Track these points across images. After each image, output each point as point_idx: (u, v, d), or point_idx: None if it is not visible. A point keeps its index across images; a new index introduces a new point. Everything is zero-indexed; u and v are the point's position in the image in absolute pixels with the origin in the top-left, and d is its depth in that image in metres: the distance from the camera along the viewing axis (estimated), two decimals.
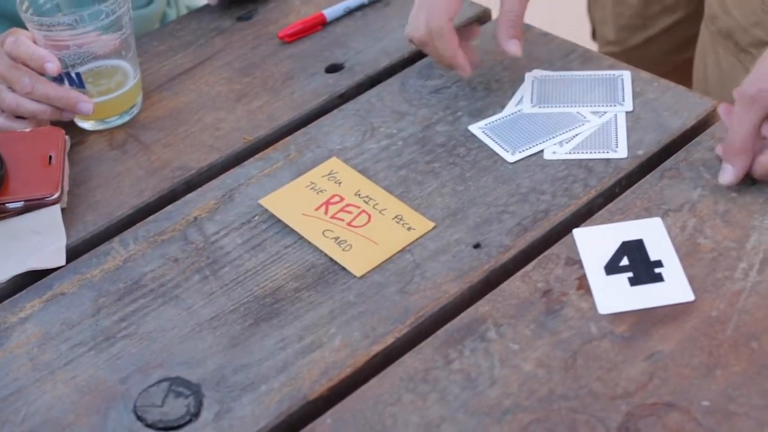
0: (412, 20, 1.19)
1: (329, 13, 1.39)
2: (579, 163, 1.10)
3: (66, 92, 1.21)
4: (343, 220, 1.07)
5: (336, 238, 1.05)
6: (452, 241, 1.03)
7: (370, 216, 1.07)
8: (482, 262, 1.01)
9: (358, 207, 1.08)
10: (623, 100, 1.16)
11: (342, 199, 1.10)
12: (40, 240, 1.10)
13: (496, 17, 1.20)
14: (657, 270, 0.96)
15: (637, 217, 1.02)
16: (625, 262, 0.98)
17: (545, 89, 1.20)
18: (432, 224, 1.05)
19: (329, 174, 1.13)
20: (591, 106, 1.17)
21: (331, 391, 0.92)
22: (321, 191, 1.11)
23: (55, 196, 1.13)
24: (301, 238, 1.06)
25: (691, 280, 0.95)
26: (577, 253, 1.00)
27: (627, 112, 1.15)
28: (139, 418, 0.91)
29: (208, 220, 1.11)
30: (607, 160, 1.10)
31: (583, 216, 1.04)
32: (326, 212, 1.08)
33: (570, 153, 1.11)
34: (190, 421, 0.91)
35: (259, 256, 1.05)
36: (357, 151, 1.16)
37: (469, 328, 0.94)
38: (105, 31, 1.20)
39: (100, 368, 0.97)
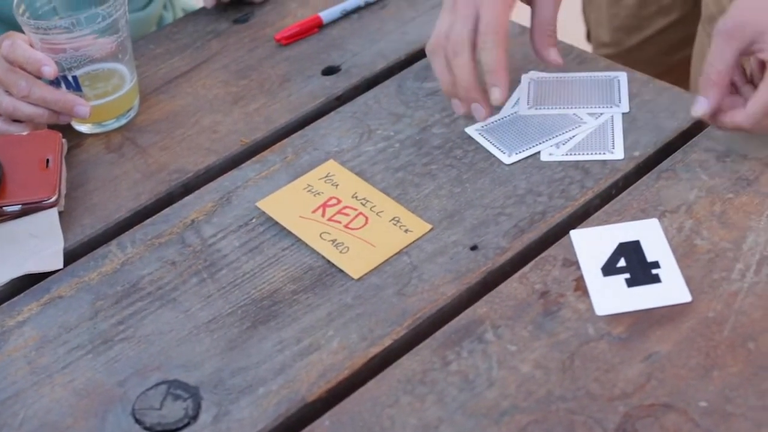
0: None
1: (326, 15, 1.39)
2: (576, 164, 1.10)
3: (63, 95, 1.21)
4: (340, 222, 1.07)
5: (333, 241, 1.05)
6: (449, 243, 1.04)
7: (367, 218, 1.07)
8: (479, 264, 1.01)
9: (355, 209, 1.09)
10: (619, 102, 1.17)
11: (339, 201, 1.10)
12: (37, 243, 1.10)
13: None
14: (654, 271, 0.97)
15: (634, 218, 1.03)
16: (622, 263, 0.98)
17: (541, 91, 1.20)
18: (429, 226, 1.06)
19: (326, 176, 1.13)
20: (587, 107, 1.17)
21: (329, 393, 0.92)
22: (318, 194, 1.11)
23: (53, 199, 1.13)
24: (299, 240, 1.06)
25: (688, 281, 0.95)
26: (574, 255, 1.00)
27: (623, 114, 1.15)
28: (138, 421, 0.91)
29: (205, 223, 1.11)
30: (604, 161, 1.10)
31: (580, 217, 1.05)
32: (323, 215, 1.08)
33: (567, 154, 1.11)
34: (188, 423, 0.91)
35: (256, 259, 1.05)
36: (354, 153, 1.16)
37: (466, 330, 0.94)
38: (102, 34, 1.20)
39: (98, 371, 0.97)
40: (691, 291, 0.94)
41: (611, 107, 1.16)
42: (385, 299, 0.99)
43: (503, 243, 1.03)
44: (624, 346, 0.91)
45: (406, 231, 1.05)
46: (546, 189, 1.08)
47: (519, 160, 1.12)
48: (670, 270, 0.97)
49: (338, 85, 1.28)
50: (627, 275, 0.97)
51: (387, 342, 0.95)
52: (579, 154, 1.11)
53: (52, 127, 1.23)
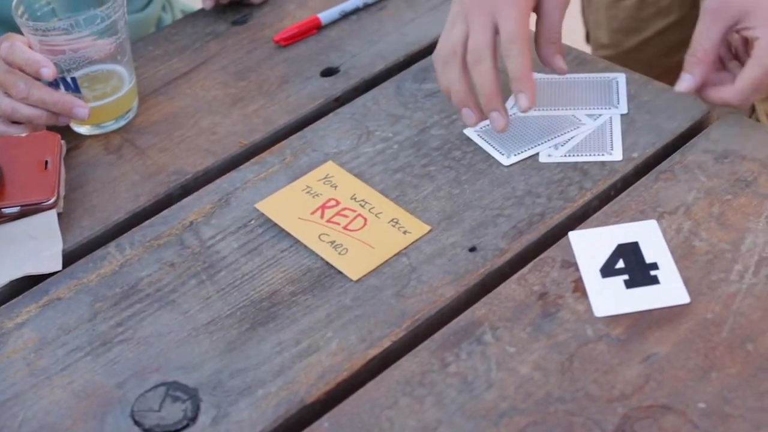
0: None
1: (324, 16, 1.39)
2: (574, 165, 1.10)
3: (62, 97, 1.21)
4: (339, 224, 1.07)
5: (332, 242, 1.05)
6: (448, 245, 1.04)
7: (366, 220, 1.07)
8: (478, 266, 1.01)
9: (354, 211, 1.09)
10: (618, 103, 1.17)
11: (338, 203, 1.10)
12: (36, 245, 1.10)
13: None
14: (652, 272, 0.97)
15: (633, 219, 1.03)
16: (620, 264, 0.98)
17: (540, 92, 1.20)
18: (428, 228, 1.06)
19: (325, 178, 1.13)
20: (586, 108, 1.17)
21: (328, 394, 0.92)
22: (317, 195, 1.11)
23: (51, 201, 1.13)
24: (297, 242, 1.06)
25: (687, 282, 0.95)
26: (573, 256, 1.00)
27: (622, 115, 1.15)
28: (137, 423, 0.92)
29: (204, 225, 1.11)
30: (603, 162, 1.10)
31: (579, 219, 1.05)
32: (322, 216, 1.08)
33: (565, 156, 1.11)
34: (187, 425, 0.91)
35: (255, 260, 1.05)
36: (353, 154, 1.16)
37: (465, 332, 0.94)
38: (100, 35, 1.20)
39: (97, 373, 0.97)
40: (690, 292, 0.94)
41: (610, 108, 1.16)
42: (384, 301, 0.99)
43: (502, 244, 1.03)
44: (623, 347, 0.91)
45: (404, 232, 1.05)
46: (545, 190, 1.08)
47: (517, 162, 1.12)
48: (668, 271, 0.97)
49: (337, 86, 1.28)
50: (626, 276, 0.97)
51: (386, 343, 0.95)
52: (578, 155, 1.11)
53: (51, 128, 1.23)
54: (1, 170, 1.15)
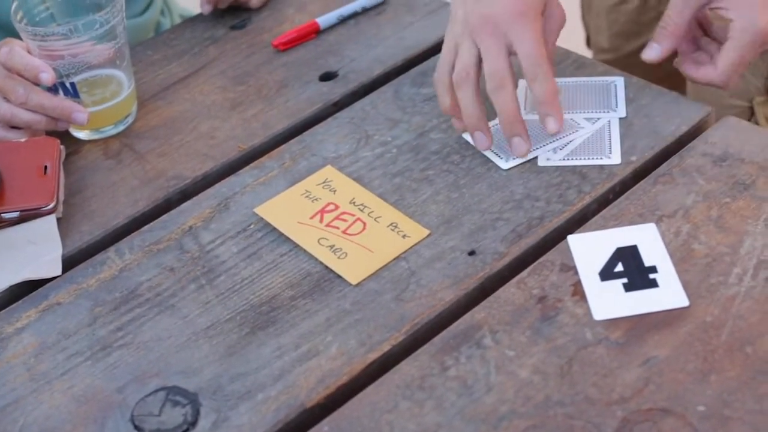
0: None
1: (323, 21, 1.39)
2: (573, 169, 1.10)
3: (61, 102, 1.21)
4: (338, 228, 1.07)
5: (331, 246, 1.05)
6: (447, 249, 1.04)
7: (365, 224, 1.08)
8: (477, 269, 1.01)
9: (353, 215, 1.09)
10: (616, 106, 1.17)
11: (337, 207, 1.10)
12: (35, 250, 1.10)
13: None
14: (651, 276, 0.97)
15: (631, 223, 1.03)
16: (619, 268, 0.98)
17: None
18: (427, 231, 1.06)
19: (324, 182, 1.13)
20: (584, 112, 1.17)
21: (327, 398, 0.92)
22: (316, 199, 1.11)
23: (51, 206, 1.13)
24: (297, 246, 1.07)
25: (686, 285, 0.95)
26: (572, 260, 1.00)
27: (620, 118, 1.16)
28: (137, 428, 0.92)
29: (203, 229, 1.11)
30: (601, 166, 1.10)
31: (578, 222, 1.05)
32: (321, 220, 1.09)
33: (564, 159, 1.12)
34: (187, 430, 0.91)
35: (254, 265, 1.06)
36: (351, 159, 1.17)
37: (464, 335, 0.95)
38: (99, 40, 1.21)
39: (97, 378, 0.97)
40: (689, 295, 0.94)
41: (608, 112, 1.16)
42: (383, 305, 0.99)
43: (501, 248, 1.03)
44: (622, 350, 0.91)
45: (404, 236, 1.05)
46: (543, 194, 1.08)
47: (516, 165, 1.12)
48: (667, 274, 0.97)
49: (335, 90, 1.28)
50: (624, 280, 0.97)
51: (385, 347, 0.95)
52: (576, 159, 1.11)
53: (50, 133, 1.23)
54: (0, 175, 1.15)
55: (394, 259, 1.03)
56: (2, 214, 1.12)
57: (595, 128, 1.15)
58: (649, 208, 1.04)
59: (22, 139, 1.22)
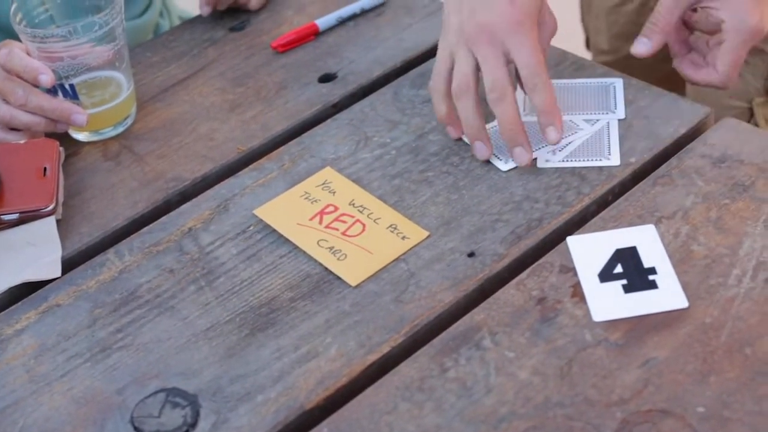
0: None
1: (322, 23, 1.39)
2: (572, 170, 1.10)
3: (60, 104, 1.21)
4: (337, 229, 1.07)
5: (331, 248, 1.05)
6: (446, 250, 1.04)
7: (364, 225, 1.08)
8: (477, 271, 1.01)
9: (353, 216, 1.09)
10: (615, 108, 1.17)
11: (336, 208, 1.10)
12: (35, 252, 1.10)
13: None
14: (651, 277, 0.97)
15: (631, 224, 1.03)
16: (618, 269, 0.98)
17: None
18: (426, 233, 1.06)
19: (323, 184, 1.13)
20: (583, 113, 1.17)
21: (327, 400, 0.92)
22: (315, 201, 1.11)
23: (50, 207, 1.13)
24: (296, 248, 1.07)
25: (685, 286, 0.96)
26: (571, 261, 1.00)
27: (619, 120, 1.16)
28: (136, 429, 0.92)
29: (202, 231, 1.11)
30: (600, 167, 1.10)
31: (577, 224, 1.05)
32: (321, 222, 1.09)
33: (563, 161, 1.12)
34: (187, 431, 0.91)
35: (254, 266, 1.06)
36: (351, 160, 1.17)
37: (464, 337, 0.95)
38: (98, 42, 1.21)
39: (97, 379, 0.97)
40: (688, 297, 0.95)
41: (607, 113, 1.16)
42: (382, 306, 0.99)
43: (500, 250, 1.03)
44: (621, 352, 0.91)
45: (403, 238, 1.05)
46: (543, 195, 1.08)
47: (515, 167, 1.12)
48: (666, 276, 0.97)
49: (335, 92, 1.29)
50: (624, 281, 0.97)
51: (385, 349, 0.95)
52: (575, 160, 1.11)
53: (49, 135, 1.23)
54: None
55: (394, 260, 1.04)
56: (2, 216, 1.12)
57: (594, 130, 1.15)
58: (649, 209, 1.04)
59: (22, 141, 1.22)
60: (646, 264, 0.98)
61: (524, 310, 0.96)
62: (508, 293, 0.98)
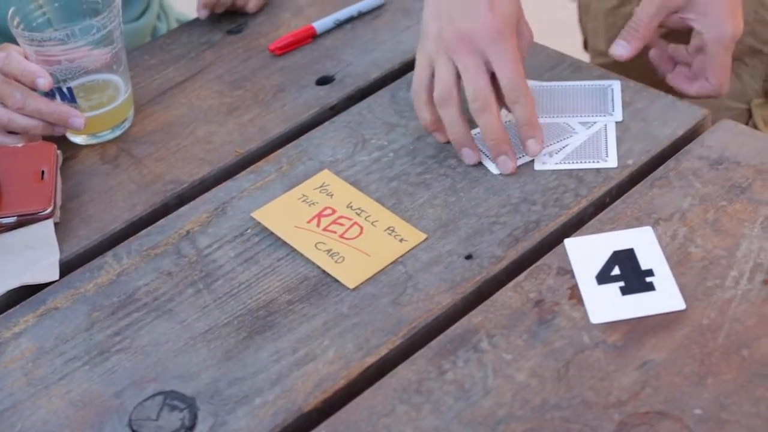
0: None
1: (319, 25, 1.39)
2: (569, 173, 1.10)
3: (57, 107, 1.21)
4: (335, 232, 1.07)
5: (328, 251, 1.05)
6: (444, 253, 1.04)
7: (362, 228, 1.08)
8: (474, 273, 1.01)
9: (350, 219, 1.09)
10: (613, 110, 1.17)
11: (334, 211, 1.10)
12: (33, 255, 1.10)
13: None
14: (648, 279, 0.97)
15: (628, 226, 1.03)
16: (616, 271, 0.98)
17: (536, 100, 1.20)
18: (424, 236, 1.06)
19: (321, 186, 1.13)
20: (581, 116, 1.17)
21: (325, 403, 0.92)
22: (313, 204, 1.11)
23: (48, 210, 1.13)
24: (294, 250, 1.07)
25: (682, 288, 0.96)
26: (569, 263, 1.00)
27: (617, 122, 1.16)
28: None
29: (200, 234, 1.11)
30: (598, 169, 1.10)
31: (574, 226, 1.05)
32: (318, 224, 1.09)
33: (560, 163, 1.12)
34: None
35: (252, 269, 1.06)
36: (348, 163, 1.17)
37: (462, 339, 0.95)
38: (96, 45, 1.21)
39: (95, 382, 0.97)
40: (686, 298, 0.95)
41: (605, 116, 1.16)
42: (380, 309, 0.99)
43: (498, 252, 1.03)
44: (619, 354, 0.91)
45: (401, 240, 1.06)
46: (540, 198, 1.08)
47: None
48: (664, 278, 0.97)
49: (332, 95, 1.29)
50: (621, 283, 0.97)
51: (383, 351, 0.95)
52: (573, 162, 1.11)
53: (47, 138, 1.23)
54: None
55: (392, 263, 1.04)
56: (0, 219, 1.12)
57: (590, 133, 1.15)
58: (646, 211, 1.04)
59: (19, 144, 1.22)
60: (644, 266, 0.98)
61: (522, 313, 0.96)
62: (506, 295, 0.98)
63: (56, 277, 1.08)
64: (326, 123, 1.24)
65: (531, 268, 1.00)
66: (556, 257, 1.01)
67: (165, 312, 1.03)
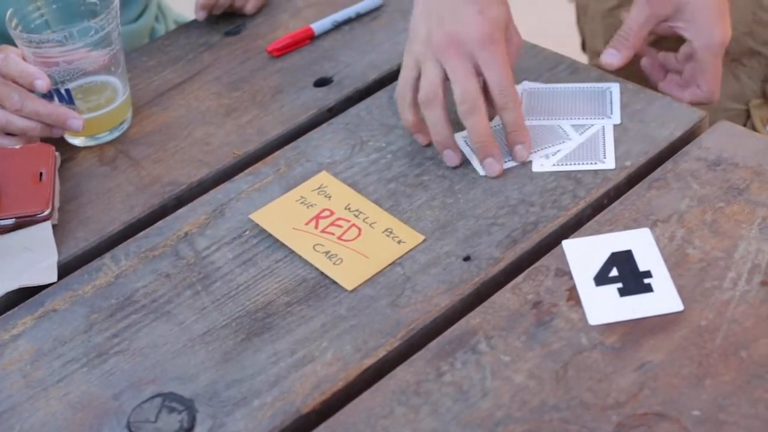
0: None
1: (317, 27, 1.39)
2: (567, 174, 1.11)
3: (56, 109, 1.21)
4: (333, 234, 1.07)
5: (327, 252, 1.05)
6: (442, 254, 1.04)
7: (360, 230, 1.08)
8: (472, 275, 1.01)
9: (348, 221, 1.09)
10: (611, 113, 1.17)
11: (332, 213, 1.10)
12: (31, 257, 1.10)
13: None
14: (646, 280, 0.97)
15: (626, 227, 1.03)
16: (614, 272, 0.98)
17: (534, 102, 1.20)
18: (422, 237, 1.06)
19: (319, 188, 1.13)
20: (579, 119, 1.17)
21: (323, 404, 0.92)
22: (311, 205, 1.11)
23: (46, 212, 1.13)
24: (292, 252, 1.07)
25: (680, 290, 0.96)
26: (567, 265, 1.00)
27: (615, 124, 1.16)
28: None
29: (198, 236, 1.11)
30: (596, 171, 1.10)
31: (572, 227, 1.05)
32: (316, 226, 1.09)
33: (558, 164, 1.12)
34: None
35: (250, 271, 1.06)
36: (346, 164, 1.17)
37: (460, 341, 0.95)
38: (94, 47, 1.21)
39: (93, 384, 0.97)
40: (684, 300, 0.95)
41: (603, 119, 1.16)
42: (378, 310, 0.99)
43: (496, 253, 1.03)
44: (617, 355, 0.91)
45: (399, 242, 1.06)
46: (538, 199, 1.08)
47: (509, 170, 1.12)
48: (662, 279, 0.97)
49: (330, 96, 1.29)
50: (619, 285, 0.97)
51: (381, 353, 0.95)
52: (570, 164, 1.12)
53: (45, 140, 1.23)
54: None
55: (390, 264, 1.04)
56: None
57: (588, 135, 1.15)
58: (644, 212, 1.04)
59: (17, 146, 1.22)
60: (642, 267, 0.98)
61: (520, 314, 0.96)
62: (504, 297, 0.98)
63: (54, 279, 1.08)
64: (324, 125, 1.24)
65: (529, 269, 1.01)
66: (554, 259, 1.01)
67: (163, 314, 1.03)
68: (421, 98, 1.13)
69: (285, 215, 1.11)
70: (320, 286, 1.03)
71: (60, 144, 1.25)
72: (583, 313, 0.95)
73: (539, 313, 0.96)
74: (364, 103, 1.26)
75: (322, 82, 1.31)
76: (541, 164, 1.12)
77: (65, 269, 1.10)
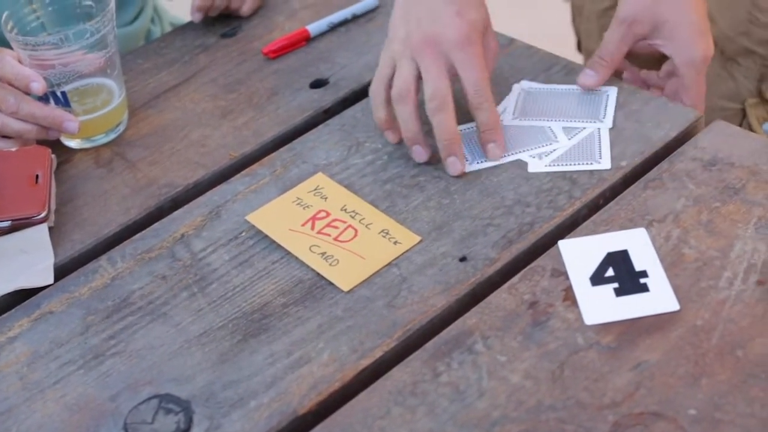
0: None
1: (313, 28, 1.39)
2: (563, 174, 1.11)
3: (51, 111, 1.21)
4: (329, 235, 1.08)
5: (323, 253, 1.06)
6: (438, 255, 1.04)
7: (356, 231, 1.08)
8: (469, 275, 1.01)
9: (345, 222, 1.09)
10: (604, 117, 1.17)
11: (328, 214, 1.10)
12: (27, 259, 1.10)
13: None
14: (642, 280, 0.97)
15: (622, 227, 1.03)
16: (610, 272, 0.98)
17: (529, 102, 1.20)
18: (418, 238, 1.06)
19: (315, 189, 1.13)
20: (571, 121, 1.17)
21: (320, 405, 0.92)
22: (307, 207, 1.11)
23: (42, 215, 1.13)
24: (288, 253, 1.07)
25: (676, 289, 0.96)
26: (563, 265, 1.00)
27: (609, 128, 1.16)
28: None
29: (195, 237, 1.11)
30: (591, 171, 1.10)
31: (568, 227, 1.05)
32: (313, 227, 1.09)
33: (554, 165, 1.12)
34: None
35: (246, 272, 1.06)
36: (342, 166, 1.17)
37: (456, 341, 0.95)
38: (90, 49, 1.21)
39: (90, 386, 0.97)
40: (679, 299, 0.95)
41: (594, 122, 1.16)
42: (375, 311, 0.99)
43: (492, 254, 1.03)
44: (613, 355, 0.91)
45: (395, 243, 1.06)
46: (534, 199, 1.08)
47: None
48: (658, 279, 0.97)
49: (326, 97, 1.29)
50: (615, 285, 0.97)
51: (377, 354, 0.95)
52: (566, 164, 1.12)
53: (41, 142, 1.23)
54: None
55: (386, 265, 1.04)
56: None
57: (582, 137, 1.15)
58: (640, 212, 1.04)
59: (13, 149, 1.22)
60: (638, 267, 0.98)
61: (516, 314, 0.96)
62: (500, 297, 0.98)
63: (51, 281, 1.08)
64: (320, 126, 1.24)
65: (525, 269, 1.01)
66: (550, 259, 1.01)
67: (160, 315, 1.03)
68: (393, 94, 1.14)
69: (281, 217, 1.11)
70: (316, 287, 1.03)
71: (56, 146, 1.25)
72: (580, 313, 0.95)
73: (535, 313, 0.96)
74: (360, 105, 1.26)
75: (318, 84, 1.31)
76: (537, 165, 1.12)
77: (61, 271, 1.10)
